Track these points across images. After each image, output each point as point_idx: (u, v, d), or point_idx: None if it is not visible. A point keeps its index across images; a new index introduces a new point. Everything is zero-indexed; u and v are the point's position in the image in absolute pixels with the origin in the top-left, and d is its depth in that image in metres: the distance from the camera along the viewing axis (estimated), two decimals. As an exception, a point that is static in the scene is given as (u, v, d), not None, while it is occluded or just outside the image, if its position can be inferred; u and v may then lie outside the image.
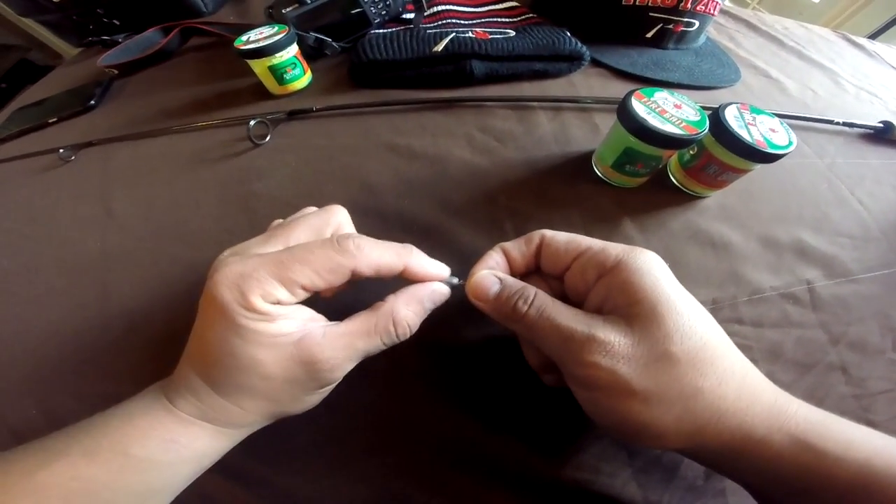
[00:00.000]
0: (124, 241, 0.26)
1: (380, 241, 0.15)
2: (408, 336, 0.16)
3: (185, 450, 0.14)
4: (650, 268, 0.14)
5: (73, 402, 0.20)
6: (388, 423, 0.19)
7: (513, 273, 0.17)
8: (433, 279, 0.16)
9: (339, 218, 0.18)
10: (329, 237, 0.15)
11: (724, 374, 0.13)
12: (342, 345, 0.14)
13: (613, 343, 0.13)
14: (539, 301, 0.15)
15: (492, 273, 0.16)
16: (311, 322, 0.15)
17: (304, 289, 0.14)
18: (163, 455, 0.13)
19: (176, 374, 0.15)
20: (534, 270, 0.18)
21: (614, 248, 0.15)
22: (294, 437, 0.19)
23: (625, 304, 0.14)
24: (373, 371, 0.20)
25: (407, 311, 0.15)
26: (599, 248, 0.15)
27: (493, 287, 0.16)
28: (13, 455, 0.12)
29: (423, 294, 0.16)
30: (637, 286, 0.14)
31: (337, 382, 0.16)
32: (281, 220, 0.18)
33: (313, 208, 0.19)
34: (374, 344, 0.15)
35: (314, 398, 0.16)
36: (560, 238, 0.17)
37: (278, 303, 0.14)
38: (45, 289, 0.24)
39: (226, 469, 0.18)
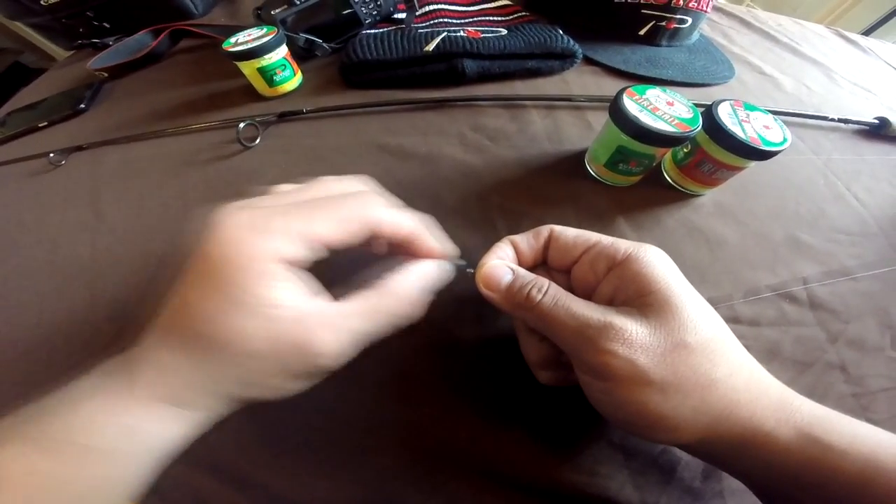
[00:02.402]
0: (114, 245, 0.25)
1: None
2: (416, 318, 0.14)
3: (143, 436, 0.12)
4: (660, 261, 0.15)
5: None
6: (382, 424, 0.19)
7: (520, 266, 0.17)
8: (443, 255, 0.16)
9: (361, 185, 0.16)
10: (349, 191, 0.14)
11: (734, 366, 0.13)
12: (346, 327, 0.13)
13: (631, 331, 0.13)
14: (553, 291, 0.14)
15: (504, 263, 0.16)
16: (310, 297, 0.12)
17: (323, 243, 0.12)
18: (118, 443, 0.11)
19: (140, 347, 0.13)
20: (540, 264, 0.18)
21: (623, 243, 0.15)
22: (288, 439, 0.18)
23: (637, 294, 0.14)
24: (367, 372, 0.20)
25: (414, 289, 0.14)
26: (609, 242, 0.16)
27: (506, 277, 0.15)
28: None
29: (430, 271, 0.15)
30: (649, 277, 0.14)
31: (331, 371, 0.14)
32: (289, 186, 0.16)
33: (331, 177, 0.16)
34: (380, 327, 0.13)
35: (297, 385, 0.14)
36: (569, 233, 0.17)
37: (290, 261, 0.12)
38: (36, 293, 0.24)
39: (219, 471, 0.18)
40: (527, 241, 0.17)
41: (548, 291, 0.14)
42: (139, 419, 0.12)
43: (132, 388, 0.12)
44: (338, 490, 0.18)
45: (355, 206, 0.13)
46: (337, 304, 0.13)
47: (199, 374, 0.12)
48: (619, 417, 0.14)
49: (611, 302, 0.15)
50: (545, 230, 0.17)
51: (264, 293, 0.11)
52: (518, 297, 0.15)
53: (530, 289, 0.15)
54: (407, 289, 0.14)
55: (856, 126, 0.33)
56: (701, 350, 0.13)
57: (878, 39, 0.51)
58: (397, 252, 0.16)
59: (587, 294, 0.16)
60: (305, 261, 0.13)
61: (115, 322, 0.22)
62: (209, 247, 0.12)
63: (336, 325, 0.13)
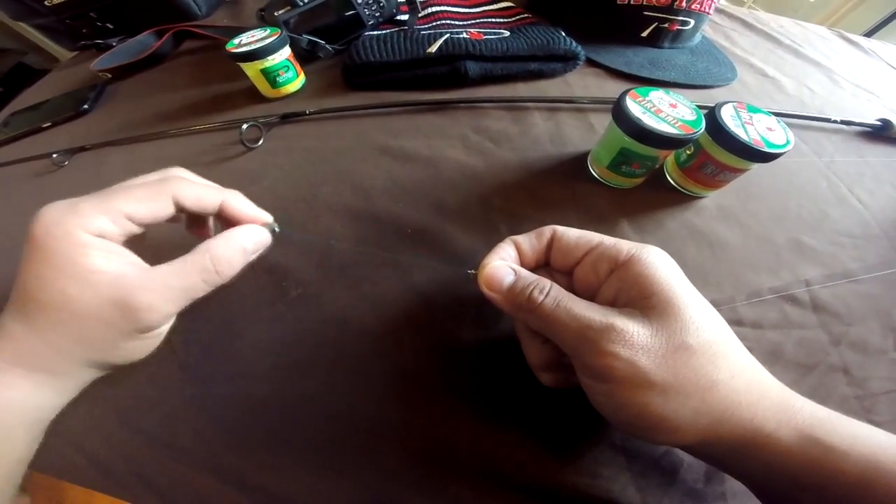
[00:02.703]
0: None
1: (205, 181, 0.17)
2: (228, 276, 0.16)
3: (10, 402, 0.13)
4: (662, 262, 0.15)
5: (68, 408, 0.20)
6: (384, 426, 0.19)
7: (522, 266, 0.17)
8: (253, 221, 0.17)
9: (171, 173, 0.18)
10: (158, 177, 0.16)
11: (736, 368, 0.13)
12: (159, 285, 0.14)
13: (633, 333, 0.13)
14: (555, 292, 0.15)
15: (506, 264, 0.16)
16: (130, 264, 0.15)
17: (130, 218, 0.14)
18: None
19: None
20: (542, 265, 0.18)
21: (626, 244, 0.15)
22: (290, 441, 0.18)
23: (639, 296, 0.14)
24: (369, 374, 0.20)
25: (226, 249, 0.16)
26: (611, 243, 0.16)
27: (508, 277, 0.16)
28: None
29: (242, 233, 0.17)
30: (651, 279, 0.14)
31: (159, 329, 0.16)
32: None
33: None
34: (193, 282, 0.15)
35: (135, 345, 0.15)
36: (571, 233, 0.17)
37: (101, 235, 0.14)
38: None
39: (221, 472, 0.18)
40: (529, 241, 0.17)
41: (549, 293, 0.14)
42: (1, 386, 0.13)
43: None
44: (339, 491, 0.18)
45: (157, 184, 0.16)
46: (155, 267, 0.15)
47: (43, 338, 0.14)
48: (621, 419, 0.14)
49: (613, 303, 0.15)
50: (548, 231, 0.17)
51: (82, 260, 0.13)
52: (520, 298, 0.15)
53: (532, 290, 0.15)
54: (218, 248, 0.16)
55: (858, 128, 0.33)
56: (703, 352, 0.13)
57: (881, 41, 0.51)
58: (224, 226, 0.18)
59: (589, 295, 0.16)
60: (118, 234, 0.15)
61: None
62: (34, 227, 0.14)
63: (153, 285, 0.14)
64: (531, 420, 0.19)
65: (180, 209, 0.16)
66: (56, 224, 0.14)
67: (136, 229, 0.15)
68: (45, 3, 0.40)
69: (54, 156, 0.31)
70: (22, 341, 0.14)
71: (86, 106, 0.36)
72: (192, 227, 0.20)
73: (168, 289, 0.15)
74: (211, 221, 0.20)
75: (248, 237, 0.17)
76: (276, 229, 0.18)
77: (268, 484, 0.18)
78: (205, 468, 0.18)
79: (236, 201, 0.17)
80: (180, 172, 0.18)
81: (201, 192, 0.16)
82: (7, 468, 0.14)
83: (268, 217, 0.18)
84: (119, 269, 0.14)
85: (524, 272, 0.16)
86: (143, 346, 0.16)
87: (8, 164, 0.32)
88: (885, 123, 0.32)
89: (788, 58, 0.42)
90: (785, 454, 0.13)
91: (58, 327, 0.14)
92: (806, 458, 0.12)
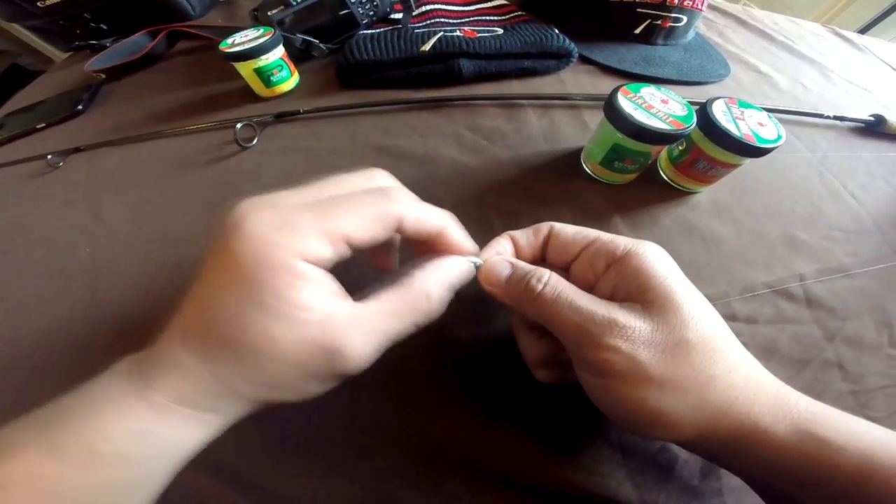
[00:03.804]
0: (113, 246, 0.25)
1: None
2: (438, 315, 0.14)
3: (160, 442, 0.11)
4: (659, 258, 0.15)
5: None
6: (382, 424, 0.19)
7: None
8: (466, 252, 0.15)
9: (382, 180, 0.15)
10: (372, 187, 0.14)
11: (733, 364, 0.13)
12: (373, 328, 0.12)
13: (634, 328, 0.13)
14: (554, 281, 0.14)
15: (503, 258, 0.16)
16: (336, 299, 0.12)
17: (348, 242, 0.12)
18: (134, 449, 0.11)
19: (157, 348, 0.12)
20: (539, 261, 0.18)
21: (623, 240, 0.15)
22: (287, 439, 0.18)
23: (637, 291, 0.14)
24: (366, 373, 0.19)
25: (438, 287, 0.14)
26: (608, 238, 0.16)
27: (505, 270, 0.15)
28: None
29: (453, 270, 0.14)
30: (650, 274, 0.14)
31: (355, 373, 0.13)
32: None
33: (352, 173, 0.16)
34: (407, 326, 0.13)
35: (323, 388, 0.13)
36: (568, 229, 0.17)
37: (316, 261, 0.11)
38: (35, 294, 0.24)
39: (218, 471, 0.18)
40: (526, 237, 0.17)
41: (548, 282, 0.14)
42: (154, 424, 0.11)
43: (147, 391, 0.11)
44: (338, 490, 0.17)
45: (381, 201, 0.13)
46: (362, 304, 0.13)
47: (220, 377, 0.11)
48: (618, 414, 0.14)
49: (611, 298, 0.15)
50: (545, 227, 0.17)
51: (292, 295, 0.11)
52: (517, 289, 0.15)
53: (529, 279, 0.15)
54: (431, 286, 0.13)
55: (851, 124, 0.33)
56: (701, 347, 0.13)
57: (874, 37, 0.51)
58: (419, 252, 0.16)
59: (586, 290, 0.16)
60: (330, 261, 0.12)
61: (114, 322, 0.22)
62: (233, 245, 0.11)
63: (364, 327, 0.12)
64: (527, 417, 0.19)
65: (397, 231, 0.13)
66: (264, 246, 0.11)
67: (348, 254, 0.12)
68: (39, 4, 0.40)
69: (49, 157, 0.31)
70: (192, 378, 0.11)
71: (80, 107, 0.36)
72: (376, 252, 0.17)
73: (377, 332, 0.12)
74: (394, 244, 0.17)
75: (459, 275, 0.14)
76: (479, 265, 0.16)
77: (265, 482, 0.18)
78: (202, 466, 0.18)
79: (455, 229, 0.15)
80: (388, 179, 0.15)
81: (425, 215, 0.14)
82: (138, 500, 0.12)
83: (476, 247, 0.16)
84: (327, 306, 0.12)
85: (521, 263, 0.16)
86: (323, 390, 0.13)
87: (2, 166, 0.32)
88: (878, 119, 0.32)
89: (782, 54, 0.42)
90: (781, 449, 0.13)
91: (247, 370, 0.11)
92: (802, 453, 0.12)
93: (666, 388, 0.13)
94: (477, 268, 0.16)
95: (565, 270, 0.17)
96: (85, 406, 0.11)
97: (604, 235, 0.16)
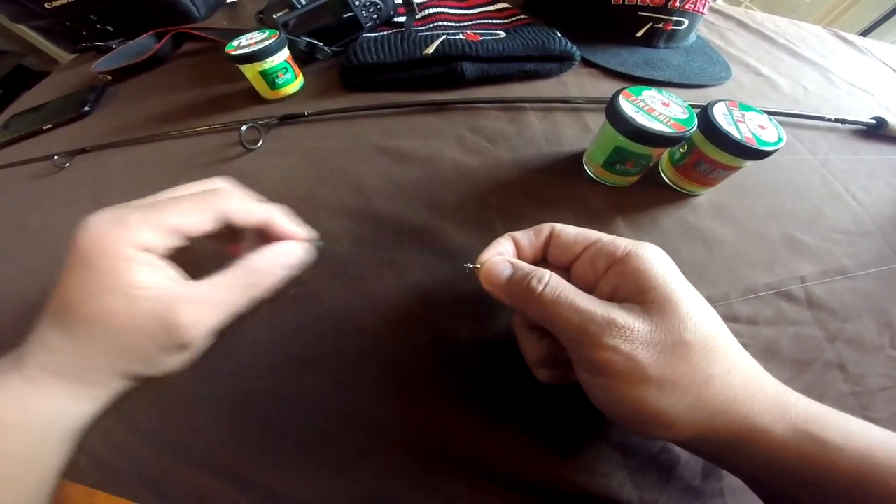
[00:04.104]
0: (116, 247, 0.26)
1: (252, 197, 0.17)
2: (268, 292, 0.16)
3: (35, 409, 0.13)
4: (659, 259, 0.15)
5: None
6: (382, 424, 0.19)
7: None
8: (299, 237, 0.18)
9: (218, 184, 0.18)
10: (205, 189, 0.16)
11: (731, 364, 0.14)
12: (206, 302, 0.15)
13: (633, 328, 0.13)
14: (555, 282, 0.15)
15: (504, 258, 0.16)
16: (173, 279, 0.15)
17: (177, 231, 0.14)
18: (12, 415, 0.13)
19: (32, 332, 0.15)
20: (540, 261, 0.18)
21: (623, 241, 0.16)
22: (287, 439, 0.18)
23: (637, 291, 0.14)
24: (367, 373, 0.20)
25: (267, 265, 0.16)
26: (609, 239, 0.16)
27: (506, 271, 0.16)
28: None
29: (283, 250, 0.17)
30: (649, 274, 0.14)
31: (199, 345, 0.16)
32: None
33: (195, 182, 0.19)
34: (241, 299, 0.15)
35: (173, 360, 0.16)
36: (570, 230, 0.17)
37: (147, 249, 0.14)
38: (40, 295, 0.23)
39: (219, 471, 0.18)
40: (528, 237, 0.17)
41: (549, 283, 0.15)
42: (25, 393, 0.13)
43: (20, 366, 0.13)
44: (338, 489, 0.18)
45: (206, 197, 0.15)
46: (197, 283, 0.15)
47: (82, 350, 0.14)
48: (618, 414, 0.14)
49: (611, 298, 0.15)
50: (546, 227, 0.17)
51: (126, 275, 0.13)
52: (518, 289, 0.15)
53: (530, 280, 0.15)
54: (262, 264, 0.16)
55: (853, 126, 0.33)
56: (700, 347, 0.13)
57: (876, 40, 0.51)
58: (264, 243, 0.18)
59: (587, 291, 0.16)
60: (163, 247, 0.14)
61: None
62: (79, 240, 0.14)
63: (196, 300, 0.14)
64: (528, 417, 0.19)
65: (226, 223, 0.16)
66: (103, 238, 0.14)
67: (181, 242, 0.15)
68: (45, 5, 0.40)
69: (55, 157, 0.31)
70: (59, 352, 0.14)
71: (86, 108, 0.36)
72: (227, 241, 0.20)
73: (210, 304, 0.15)
74: (245, 236, 0.20)
75: (289, 254, 0.17)
76: (321, 245, 0.19)
77: (266, 481, 0.18)
78: (203, 466, 0.18)
79: (281, 218, 0.17)
80: (224, 184, 0.18)
81: (249, 207, 0.16)
82: (41, 476, 0.14)
83: (308, 235, 0.18)
84: (162, 284, 0.14)
85: (522, 264, 0.16)
86: (180, 360, 0.16)
87: (9, 166, 0.33)
88: (880, 121, 0.32)
89: (784, 57, 0.42)
90: (780, 449, 0.13)
91: (97, 340, 0.14)
92: (801, 453, 0.13)
93: (665, 388, 0.13)
94: (476, 269, 0.17)
95: (566, 271, 0.17)
96: None
97: (604, 237, 0.16)
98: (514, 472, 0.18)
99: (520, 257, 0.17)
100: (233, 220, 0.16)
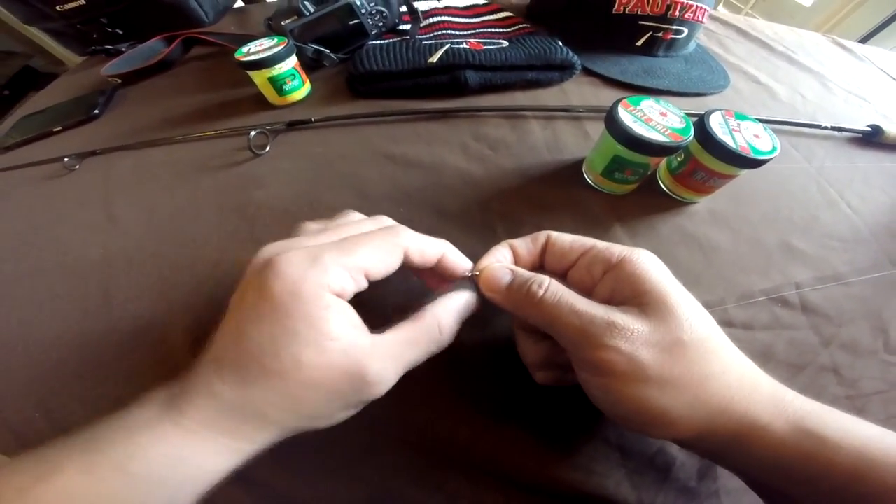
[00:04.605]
0: (126, 248, 0.26)
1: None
2: (448, 343, 0.16)
3: (190, 467, 0.12)
4: (653, 264, 0.15)
5: (76, 405, 0.20)
6: (383, 423, 0.19)
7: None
8: (464, 269, 0.17)
9: (388, 221, 0.18)
10: (382, 227, 0.16)
11: (727, 364, 0.14)
12: (392, 355, 0.14)
13: (633, 329, 0.13)
14: (554, 287, 0.15)
15: (503, 265, 0.17)
16: (361, 330, 0.14)
17: (367, 275, 0.14)
18: (166, 473, 0.12)
19: (192, 377, 0.13)
20: (537, 268, 0.18)
21: (617, 247, 0.16)
22: (291, 438, 0.19)
23: (633, 294, 0.14)
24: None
25: (449, 319, 0.15)
26: (604, 246, 0.16)
27: (505, 277, 0.16)
28: (7, 469, 0.11)
29: (459, 302, 0.16)
30: (645, 278, 0.15)
31: (376, 398, 0.14)
32: (314, 224, 0.17)
33: (357, 213, 0.19)
34: (422, 353, 0.15)
35: (347, 415, 0.14)
36: (565, 238, 0.17)
37: (341, 294, 0.13)
38: (49, 294, 0.24)
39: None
40: (525, 245, 0.18)
41: (549, 288, 0.15)
42: (183, 450, 0.12)
43: (181, 418, 0.12)
44: (340, 488, 0.18)
45: (389, 238, 0.15)
46: (382, 335, 0.14)
47: (254, 405, 0.12)
48: (618, 413, 0.15)
49: (608, 303, 0.15)
50: (542, 235, 0.18)
51: (321, 325, 0.12)
52: (519, 294, 0.15)
53: (530, 285, 0.15)
54: (443, 318, 0.15)
55: (849, 134, 0.33)
56: (696, 347, 0.13)
57: (875, 46, 0.51)
58: (428, 283, 0.18)
59: (584, 296, 0.16)
60: (352, 292, 0.14)
61: (126, 322, 0.22)
62: (268, 282, 0.12)
63: (385, 355, 0.14)
64: (528, 417, 0.19)
65: (407, 264, 0.15)
66: (301, 281, 0.12)
67: (365, 286, 0.14)
68: (57, 7, 0.41)
69: (65, 159, 0.31)
70: (226, 404, 0.12)
71: (96, 111, 0.37)
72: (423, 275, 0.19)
73: (395, 359, 0.14)
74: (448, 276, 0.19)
75: (468, 306, 0.17)
76: (474, 273, 0.18)
77: (269, 480, 0.18)
78: None
79: (453, 254, 0.17)
80: (392, 221, 0.18)
81: (425, 246, 0.16)
82: None
83: (470, 264, 0.18)
84: (351, 335, 0.13)
85: (521, 270, 0.16)
86: (348, 416, 0.14)
87: (19, 168, 0.33)
88: (876, 129, 0.32)
89: (782, 65, 0.43)
90: (779, 447, 0.13)
91: (275, 394, 0.12)
92: (799, 450, 0.13)
93: (664, 387, 0.13)
94: (475, 275, 0.17)
95: (562, 277, 0.18)
96: (122, 431, 0.12)
97: (599, 244, 0.17)
98: (514, 470, 0.18)
99: (517, 264, 0.18)
100: (412, 261, 0.15)
